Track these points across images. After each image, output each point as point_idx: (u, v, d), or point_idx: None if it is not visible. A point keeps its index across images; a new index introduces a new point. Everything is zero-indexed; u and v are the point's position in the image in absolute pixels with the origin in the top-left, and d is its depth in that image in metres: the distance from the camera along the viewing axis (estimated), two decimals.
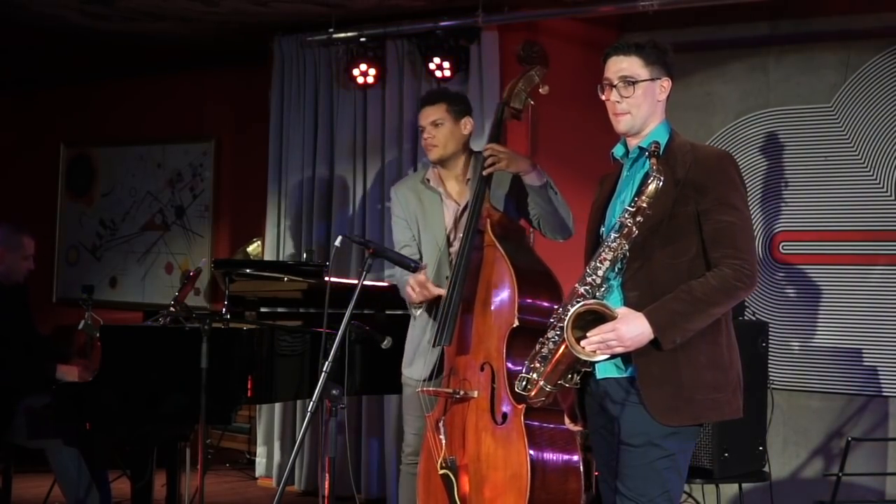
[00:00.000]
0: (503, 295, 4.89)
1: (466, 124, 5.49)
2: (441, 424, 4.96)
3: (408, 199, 5.54)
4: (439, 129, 5.47)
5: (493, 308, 4.93)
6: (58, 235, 10.66)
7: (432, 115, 5.50)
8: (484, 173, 5.17)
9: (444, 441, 4.92)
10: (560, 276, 5.02)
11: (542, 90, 5.35)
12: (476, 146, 5.69)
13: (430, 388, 5.11)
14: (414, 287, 5.16)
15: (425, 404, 5.21)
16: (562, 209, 5.28)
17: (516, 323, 4.78)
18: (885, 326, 6.84)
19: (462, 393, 4.91)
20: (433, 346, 5.13)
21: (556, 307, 4.56)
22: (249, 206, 9.04)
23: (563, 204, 5.30)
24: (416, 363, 5.42)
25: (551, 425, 4.69)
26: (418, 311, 5.38)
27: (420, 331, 5.45)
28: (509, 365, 4.77)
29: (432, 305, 5.27)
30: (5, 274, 6.59)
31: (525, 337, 4.71)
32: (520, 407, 4.66)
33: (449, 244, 5.40)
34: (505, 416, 4.74)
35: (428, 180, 5.53)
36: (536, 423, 4.67)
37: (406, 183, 5.70)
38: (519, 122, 5.64)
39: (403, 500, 5.52)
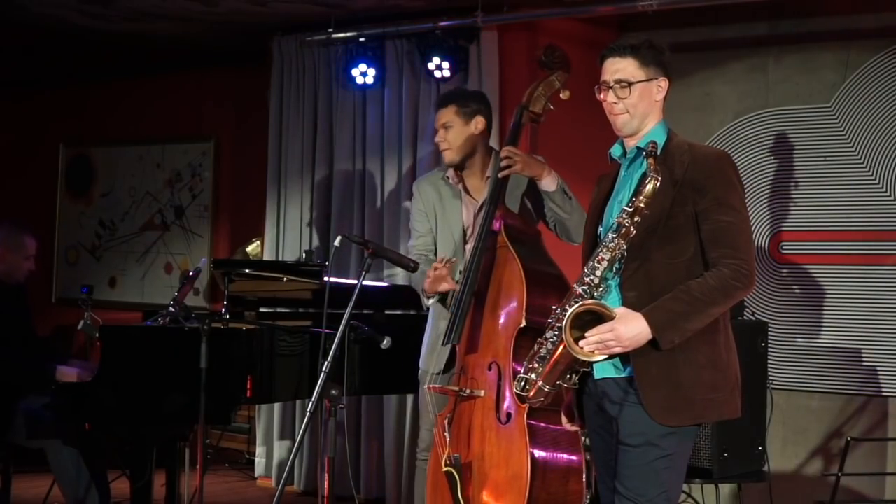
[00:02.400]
0: (513, 295, 4.89)
1: (478, 123, 5.51)
2: (447, 422, 4.97)
3: (428, 193, 5.60)
4: (449, 132, 5.51)
5: (502, 308, 4.94)
6: (57, 235, 10.66)
7: (442, 117, 5.55)
8: (499, 175, 5.19)
9: (448, 438, 4.93)
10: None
11: (563, 95, 5.37)
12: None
13: (437, 386, 5.14)
14: (429, 275, 5.21)
15: (437, 402, 5.22)
16: (576, 213, 5.31)
17: (523, 323, 4.78)
18: (885, 326, 6.84)
19: (469, 392, 4.91)
20: (442, 344, 5.16)
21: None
22: (249, 206, 9.05)
23: (579, 208, 5.32)
24: (431, 356, 5.45)
25: (555, 425, 4.67)
26: (430, 301, 5.43)
27: (433, 323, 5.50)
28: (514, 364, 4.77)
29: (445, 299, 5.33)
30: (6, 273, 6.59)
31: (532, 337, 4.69)
32: (523, 406, 4.65)
33: (465, 241, 5.43)
34: (509, 415, 4.74)
35: (447, 178, 5.58)
36: (540, 424, 4.67)
37: (427, 178, 5.77)
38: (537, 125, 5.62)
39: (419, 496, 5.53)
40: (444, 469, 4.87)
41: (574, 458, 4.75)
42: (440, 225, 5.52)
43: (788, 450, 7.06)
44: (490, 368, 4.89)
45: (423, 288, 5.33)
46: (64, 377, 6.21)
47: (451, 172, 5.57)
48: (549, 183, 5.25)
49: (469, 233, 5.46)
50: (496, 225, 5.08)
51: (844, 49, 7.01)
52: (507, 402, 4.78)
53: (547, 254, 5.23)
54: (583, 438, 4.74)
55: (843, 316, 6.99)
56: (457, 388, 4.97)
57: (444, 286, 5.22)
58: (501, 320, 4.93)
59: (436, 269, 5.20)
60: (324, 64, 8.02)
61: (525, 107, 5.32)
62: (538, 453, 4.64)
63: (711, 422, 4.06)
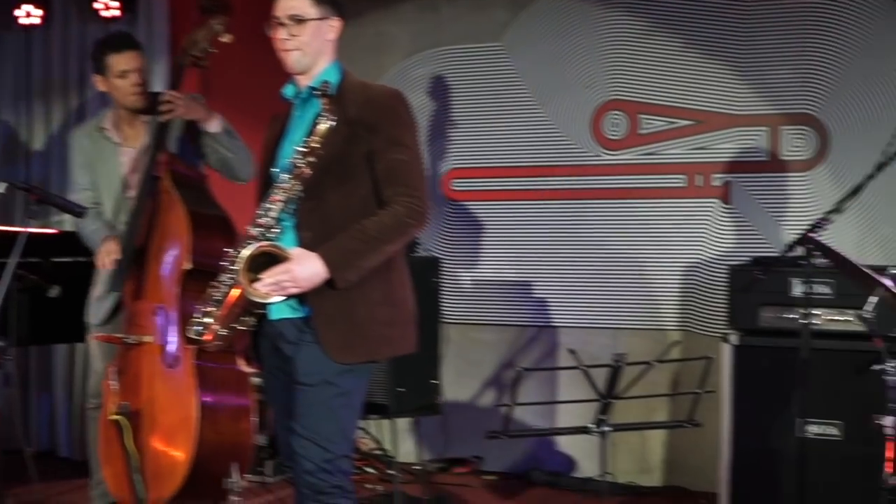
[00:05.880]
0: (177, 239, 4.85)
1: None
2: (115, 371, 4.89)
3: (83, 146, 5.47)
4: (141, 76, 5.42)
5: (167, 253, 4.89)
6: None
7: (132, 62, 5.41)
8: (161, 120, 5.10)
9: (116, 387, 4.85)
10: (231, 217, 4.99)
11: (225, 38, 5.29)
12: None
13: (102, 335, 5.06)
14: (105, 258, 5.14)
15: (106, 352, 5.13)
16: (241, 153, 5.29)
17: (190, 265, 4.75)
18: (555, 259, 7.07)
19: (135, 338, 4.85)
20: (107, 291, 5.09)
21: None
22: None
23: (243, 147, 5.30)
24: (96, 307, 5.35)
25: (222, 366, 4.70)
26: None
27: (99, 275, 5.37)
28: (183, 307, 4.74)
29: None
30: None
31: (200, 280, 4.65)
32: (189, 349, 4.64)
33: (126, 189, 5.32)
34: (176, 358, 4.72)
35: (103, 128, 5.44)
36: (207, 364, 4.67)
37: (82, 129, 5.62)
38: (200, 69, 5.53)
39: (93, 445, 5.43)
40: (112, 417, 4.81)
41: (243, 396, 4.79)
42: (99, 176, 5.40)
43: (462, 382, 7.22)
44: (156, 314, 4.84)
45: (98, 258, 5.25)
46: None
47: (108, 121, 5.47)
48: (212, 124, 5.19)
49: (129, 182, 5.35)
50: (160, 170, 5.01)
51: None
52: (174, 346, 4.74)
53: (212, 197, 5.21)
54: (256, 379, 4.78)
55: (514, 250, 7.19)
56: (122, 336, 4.91)
57: (114, 258, 5.13)
58: (166, 265, 4.88)
59: (108, 250, 5.13)
60: None
61: (185, 51, 5.22)
62: (207, 394, 4.65)
63: (388, 358, 4.12)
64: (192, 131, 5.30)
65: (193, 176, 5.18)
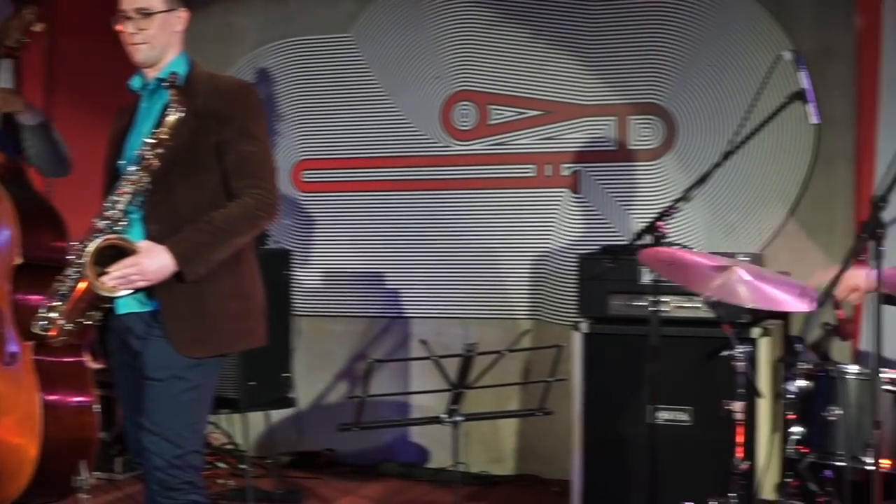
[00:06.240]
0: (4, 234, 4.76)
1: None
2: None
3: None
4: None
5: None
6: None
7: None
8: None
9: None
10: (77, 211, 4.89)
11: (37, 28, 5.17)
12: None
13: None
14: None
15: None
16: (60, 147, 5.15)
17: (20, 259, 4.67)
18: (405, 250, 7.08)
19: None
20: None
21: (62, 242, 4.47)
22: None
23: (61, 141, 5.17)
24: None
25: (62, 360, 4.63)
26: None
27: None
28: (17, 303, 4.66)
29: None
30: None
31: (31, 274, 4.65)
32: (28, 345, 4.56)
33: None
34: (13, 355, 4.62)
35: None
36: (47, 359, 4.60)
37: None
38: (14, 59, 5.40)
39: None
40: None
41: (85, 390, 4.73)
42: None
43: (314, 375, 7.20)
44: None
45: None
46: None
47: None
48: (29, 117, 5.01)
49: None
50: None
51: None
52: (10, 343, 4.65)
53: (34, 188, 5.12)
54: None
55: (365, 241, 7.18)
56: None
57: None
58: None
59: None
60: None
61: None
62: (49, 389, 4.58)
63: (238, 351, 4.09)
64: (10, 125, 5.16)
65: (15, 169, 5.07)
